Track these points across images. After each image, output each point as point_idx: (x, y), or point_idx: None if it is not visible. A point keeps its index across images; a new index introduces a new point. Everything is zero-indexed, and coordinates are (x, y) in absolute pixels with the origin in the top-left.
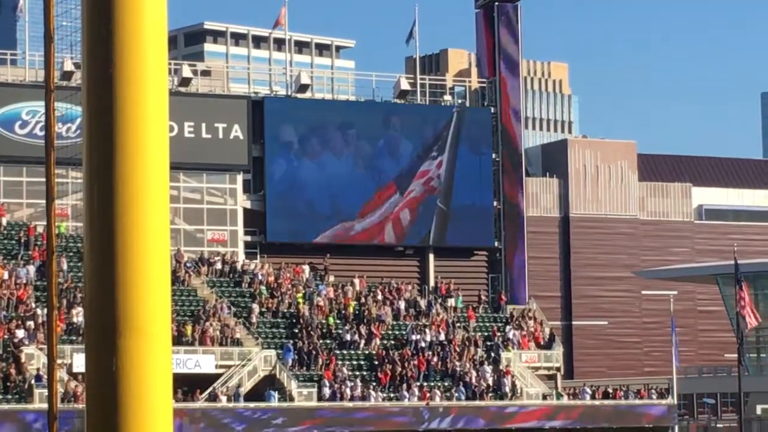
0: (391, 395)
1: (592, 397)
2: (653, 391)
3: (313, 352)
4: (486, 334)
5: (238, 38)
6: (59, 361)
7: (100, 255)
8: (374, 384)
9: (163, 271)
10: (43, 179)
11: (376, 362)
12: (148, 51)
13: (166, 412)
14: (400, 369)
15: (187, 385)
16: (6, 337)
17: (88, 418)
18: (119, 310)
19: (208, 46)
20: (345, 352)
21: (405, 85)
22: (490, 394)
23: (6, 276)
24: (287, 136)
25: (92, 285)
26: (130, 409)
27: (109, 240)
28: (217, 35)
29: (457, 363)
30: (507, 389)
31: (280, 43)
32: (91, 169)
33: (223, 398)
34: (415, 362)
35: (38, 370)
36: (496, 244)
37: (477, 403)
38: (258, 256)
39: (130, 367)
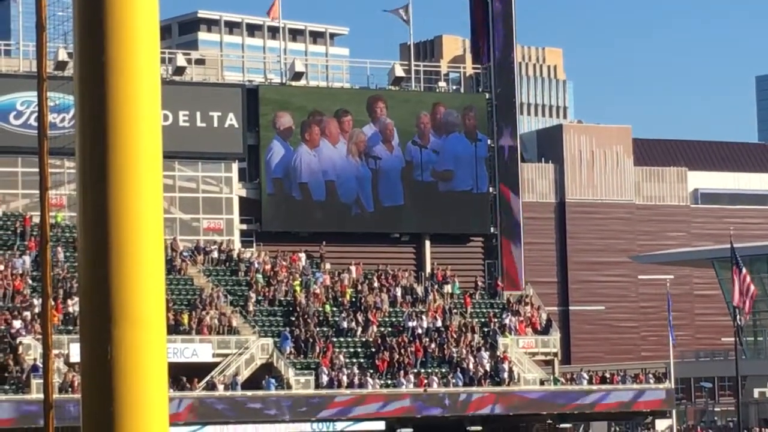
0: (389, 382)
1: (590, 382)
2: (651, 375)
3: (310, 340)
4: (483, 320)
5: (232, 27)
6: (56, 352)
7: (93, 244)
8: (371, 371)
9: (158, 259)
10: (38, 169)
11: (373, 349)
12: (139, 38)
13: (161, 400)
14: (397, 356)
15: (185, 374)
16: (3, 327)
17: (83, 408)
18: (113, 299)
19: (202, 35)
20: (342, 339)
21: (399, 71)
22: (488, 380)
23: (2, 267)
24: (282, 123)
25: (86, 274)
26: (125, 398)
27: (102, 229)
28: (211, 24)
29: (454, 349)
30: (504, 375)
31: (274, 31)
32: (84, 159)
33: (221, 387)
34: (412, 349)
35: (35, 360)
36: (492, 230)
37: (475, 389)
38: (254, 245)
39: (125, 356)
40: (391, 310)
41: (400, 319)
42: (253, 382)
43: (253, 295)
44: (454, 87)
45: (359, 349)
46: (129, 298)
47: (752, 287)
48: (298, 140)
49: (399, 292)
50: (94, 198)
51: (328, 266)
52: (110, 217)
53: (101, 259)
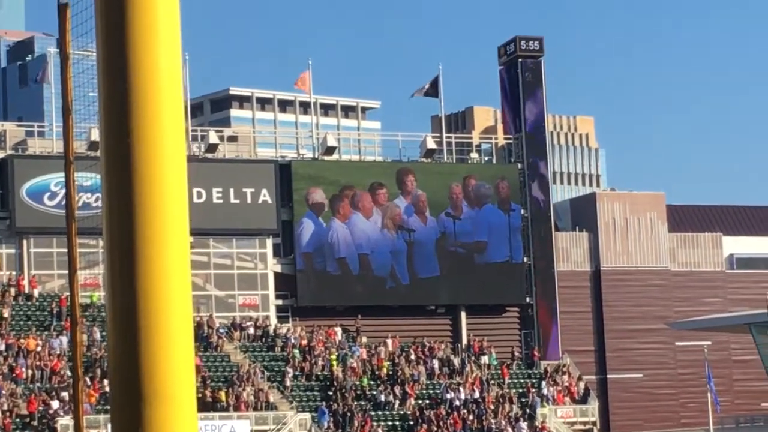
0: None
1: None
2: None
3: (348, 414)
4: (520, 390)
5: (263, 103)
6: (94, 431)
7: (122, 324)
8: None
9: (187, 337)
10: (67, 251)
11: (412, 422)
12: (165, 119)
13: None
14: (435, 428)
15: None
16: (41, 408)
17: None
18: (144, 378)
19: (234, 112)
20: (380, 413)
21: (431, 143)
22: None
23: (39, 347)
24: (315, 198)
25: (116, 354)
26: None
27: (131, 308)
28: (243, 100)
29: (493, 420)
30: None
31: (305, 107)
32: (112, 239)
33: None
34: (451, 421)
35: None
36: (527, 300)
37: None
38: (290, 320)
39: None
40: (429, 382)
41: (438, 392)
42: None
43: (290, 370)
44: (486, 158)
45: (397, 422)
46: (159, 377)
47: None
48: (329, 215)
49: (436, 364)
50: (123, 278)
51: (364, 340)
52: (138, 296)
53: (130, 339)
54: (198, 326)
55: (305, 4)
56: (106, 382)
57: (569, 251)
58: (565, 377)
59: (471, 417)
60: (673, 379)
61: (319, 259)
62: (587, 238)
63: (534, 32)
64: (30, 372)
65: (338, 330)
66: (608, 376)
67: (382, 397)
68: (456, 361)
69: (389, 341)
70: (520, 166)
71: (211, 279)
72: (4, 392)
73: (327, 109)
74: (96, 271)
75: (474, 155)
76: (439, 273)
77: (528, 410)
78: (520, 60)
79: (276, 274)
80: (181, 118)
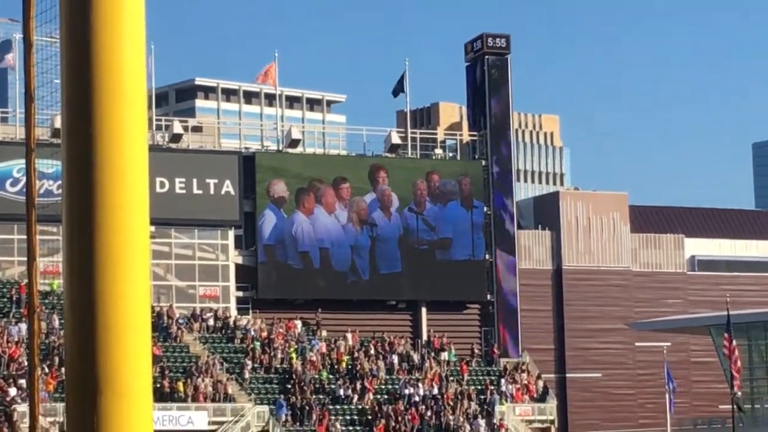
0: None
1: None
2: None
3: (306, 408)
4: (479, 387)
5: (229, 94)
6: (51, 419)
7: (79, 314)
8: None
9: (144, 330)
10: (26, 239)
11: (370, 417)
12: (127, 108)
13: None
14: (393, 423)
15: None
16: None
17: None
18: (99, 369)
19: (200, 102)
20: (338, 407)
21: (396, 139)
22: None
23: None
24: (278, 191)
25: (72, 344)
26: None
27: (88, 299)
28: (208, 91)
29: (451, 417)
30: None
31: (271, 99)
32: (71, 226)
33: None
34: (409, 416)
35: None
36: (488, 297)
37: None
38: (250, 312)
39: (111, 426)
40: (388, 377)
41: (397, 387)
42: None
43: (249, 362)
44: (451, 154)
45: (356, 417)
46: (115, 369)
47: (738, 363)
48: (292, 208)
49: (395, 359)
50: (80, 266)
51: (324, 333)
52: (97, 285)
53: (87, 329)
54: (158, 316)
55: None
56: (64, 370)
57: (531, 249)
58: (524, 375)
59: (429, 413)
60: (632, 379)
61: (280, 252)
62: (550, 237)
63: (501, 30)
64: None
65: (298, 323)
66: (567, 375)
67: (341, 392)
68: (415, 357)
69: (349, 335)
70: (484, 162)
71: (172, 269)
72: None
73: (292, 101)
74: (56, 258)
75: (438, 151)
76: (400, 269)
77: (486, 407)
78: (486, 57)
79: (237, 266)
80: (144, 108)
